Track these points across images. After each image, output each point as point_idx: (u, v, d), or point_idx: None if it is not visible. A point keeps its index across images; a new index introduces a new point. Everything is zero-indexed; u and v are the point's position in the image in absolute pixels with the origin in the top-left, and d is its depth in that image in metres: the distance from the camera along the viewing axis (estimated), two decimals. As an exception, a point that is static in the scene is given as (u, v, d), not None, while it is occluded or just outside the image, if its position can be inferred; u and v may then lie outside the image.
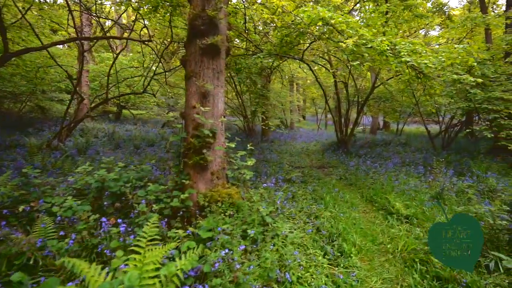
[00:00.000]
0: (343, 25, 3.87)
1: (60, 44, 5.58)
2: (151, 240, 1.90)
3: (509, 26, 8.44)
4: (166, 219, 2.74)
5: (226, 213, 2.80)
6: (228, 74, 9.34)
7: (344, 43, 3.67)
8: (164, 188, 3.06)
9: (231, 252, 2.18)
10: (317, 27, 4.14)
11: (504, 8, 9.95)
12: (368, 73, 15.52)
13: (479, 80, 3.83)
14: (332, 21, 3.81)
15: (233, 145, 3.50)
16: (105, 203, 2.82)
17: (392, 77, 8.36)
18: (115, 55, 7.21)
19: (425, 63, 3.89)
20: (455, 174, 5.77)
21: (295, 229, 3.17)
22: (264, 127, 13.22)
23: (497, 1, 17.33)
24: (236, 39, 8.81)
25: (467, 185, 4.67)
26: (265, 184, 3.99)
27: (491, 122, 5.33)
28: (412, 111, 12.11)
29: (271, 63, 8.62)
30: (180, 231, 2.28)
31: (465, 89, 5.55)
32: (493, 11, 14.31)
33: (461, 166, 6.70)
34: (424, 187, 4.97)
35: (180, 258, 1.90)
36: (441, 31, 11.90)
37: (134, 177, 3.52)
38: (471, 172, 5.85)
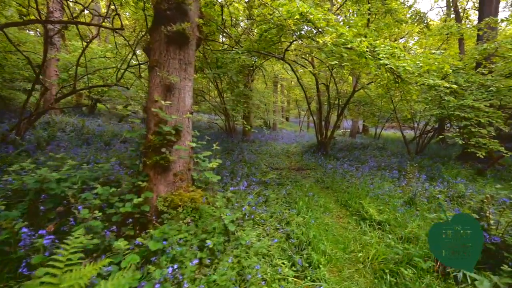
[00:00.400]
0: (322, 21, 3.69)
1: (15, 26, 4.97)
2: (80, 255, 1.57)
3: (480, 38, 8.81)
4: (115, 227, 2.39)
5: (185, 220, 2.49)
6: (209, 70, 8.99)
7: (323, 40, 3.49)
8: (117, 191, 2.70)
9: (183, 266, 1.89)
10: (296, 23, 3.93)
11: (476, 22, 10.38)
12: (350, 77, 15.75)
13: (454, 86, 3.82)
14: (311, 17, 3.62)
15: (196, 144, 3.19)
16: (41, 207, 2.41)
17: (372, 82, 8.42)
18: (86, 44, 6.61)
19: (403, 66, 3.81)
20: (427, 179, 5.84)
21: (264, 237, 2.94)
22: (245, 127, 13.00)
23: (470, 16, 18.39)
24: (221, 36, 8.50)
25: (438, 190, 4.69)
26: (232, 188, 3.72)
27: (462, 129, 5.42)
28: (390, 116, 12.41)
29: (252, 61, 8.38)
30: (122, 243, 1.94)
31: (440, 96, 5.62)
32: (467, 25, 15.03)
33: (433, 171, 6.83)
34: (397, 192, 4.94)
35: (117, 276, 1.58)
36: (419, 40, 12.30)
37: (87, 177, 3.12)
38: (442, 178, 5.96)
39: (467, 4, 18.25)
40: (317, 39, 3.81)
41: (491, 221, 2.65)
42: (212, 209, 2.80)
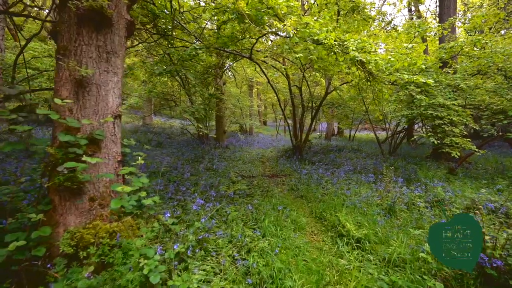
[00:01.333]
0: (284, 8, 3.14)
1: None
2: None
3: (442, 41, 8.96)
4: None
5: (88, 269, 1.72)
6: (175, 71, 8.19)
7: (283, 26, 2.93)
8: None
9: None
10: (257, 13, 3.34)
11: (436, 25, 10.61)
12: (323, 80, 15.68)
13: (430, 81, 3.44)
14: (271, 2, 3.06)
15: (129, 155, 2.43)
16: None
17: (345, 83, 8.14)
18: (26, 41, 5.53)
19: (375, 61, 3.36)
20: (404, 182, 5.51)
21: (215, 275, 2.24)
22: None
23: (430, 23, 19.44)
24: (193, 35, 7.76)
25: (417, 195, 4.31)
26: (178, 211, 2.97)
27: (435, 128, 5.16)
28: (362, 118, 12.36)
29: (218, 61, 7.73)
30: None
31: (411, 95, 5.34)
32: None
33: (408, 172, 6.59)
34: (375, 199, 4.50)
35: None
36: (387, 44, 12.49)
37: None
38: (418, 180, 5.67)
39: (427, 13, 19.28)
40: (277, 25, 3.24)
41: (487, 237, 2.19)
42: (143, 243, 2.05)
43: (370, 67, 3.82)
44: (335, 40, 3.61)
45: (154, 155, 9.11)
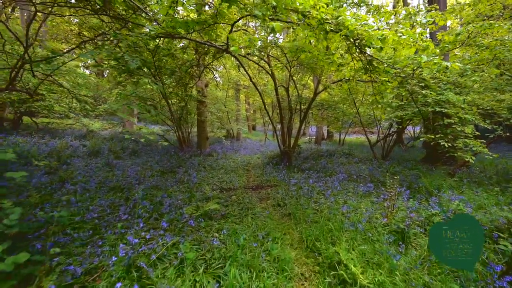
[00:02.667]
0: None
1: None
2: None
3: (433, 37, 8.33)
4: None
5: None
6: (147, 70, 7.11)
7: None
8: None
9: None
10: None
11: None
12: (311, 83, 14.92)
13: (456, 65, 2.55)
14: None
15: None
16: None
17: (337, 81, 7.28)
18: None
19: (382, 36, 2.44)
20: (410, 194, 4.60)
21: None
22: (204, 139, 11.09)
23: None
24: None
25: (433, 213, 3.39)
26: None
27: (441, 129, 4.31)
28: (353, 121, 11.59)
29: (193, 56, 6.72)
30: None
31: (415, 90, 4.49)
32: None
33: (409, 180, 5.73)
34: (381, 220, 3.55)
35: None
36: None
37: None
38: (428, 191, 4.78)
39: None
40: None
41: None
42: None
43: (371, 50, 2.90)
44: (325, 14, 2.68)
45: (123, 165, 7.92)
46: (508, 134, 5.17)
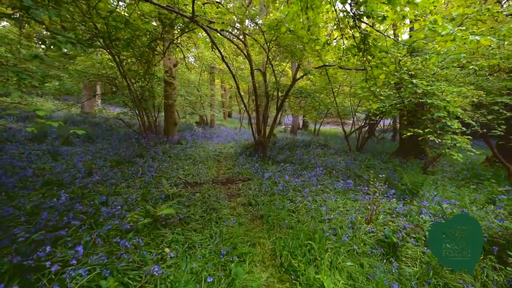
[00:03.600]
0: None
1: None
2: None
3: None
4: None
5: None
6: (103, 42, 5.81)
7: None
8: None
9: None
10: None
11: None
12: (289, 70, 14.24)
13: (489, 40, 1.98)
14: None
15: None
16: None
17: (322, 67, 6.64)
18: None
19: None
20: (395, 194, 4.23)
21: None
22: (172, 125, 9.94)
23: None
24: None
25: (426, 220, 2.98)
26: None
27: (434, 123, 3.93)
28: (329, 111, 11.26)
29: (157, 28, 5.62)
30: None
31: (404, 78, 4.02)
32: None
33: (387, 175, 5.44)
34: (364, 224, 3.08)
35: None
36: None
37: None
38: (406, 189, 4.46)
39: None
40: None
41: None
42: None
43: (370, 21, 2.25)
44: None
45: (73, 153, 6.68)
46: (485, 130, 5.00)
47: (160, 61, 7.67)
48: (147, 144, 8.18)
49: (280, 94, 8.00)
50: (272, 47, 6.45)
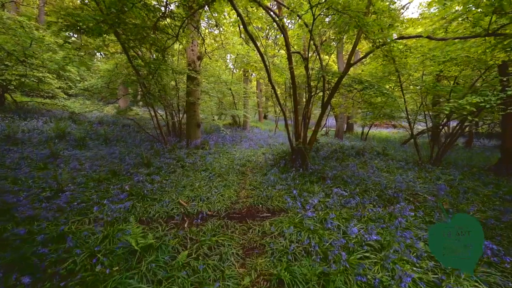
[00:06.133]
0: None
1: None
2: None
3: None
4: None
5: None
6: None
7: None
8: None
9: None
10: None
11: None
12: (332, 63, 11.68)
13: None
14: None
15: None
16: None
17: (409, 37, 4.28)
18: None
19: None
20: None
21: None
22: (195, 126, 8.51)
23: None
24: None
25: None
26: None
27: None
28: (392, 110, 8.44)
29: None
30: None
31: None
32: None
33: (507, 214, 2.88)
34: None
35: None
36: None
37: None
38: None
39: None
40: None
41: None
42: None
43: None
44: None
45: (77, 158, 5.59)
46: None
47: (173, 45, 6.09)
48: (161, 149, 6.80)
49: (326, 85, 5.77)
50: (320, 13, 4.33)
